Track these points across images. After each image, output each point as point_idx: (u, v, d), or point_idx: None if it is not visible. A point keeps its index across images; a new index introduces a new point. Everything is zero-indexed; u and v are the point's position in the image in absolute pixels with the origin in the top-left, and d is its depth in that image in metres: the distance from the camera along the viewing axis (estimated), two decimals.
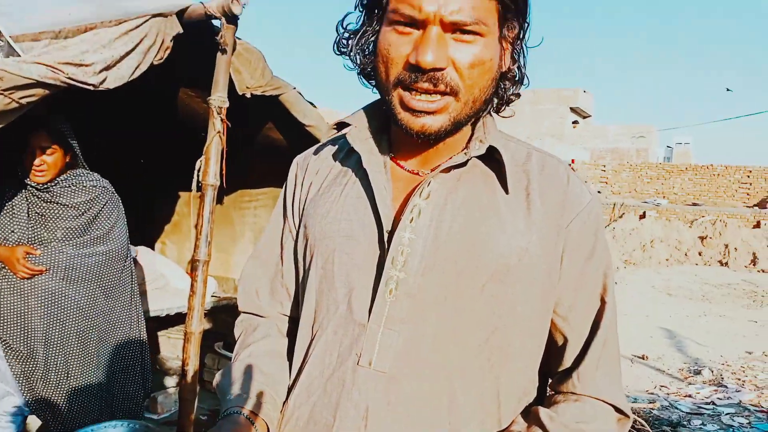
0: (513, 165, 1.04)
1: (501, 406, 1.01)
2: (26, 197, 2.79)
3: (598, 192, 23.52)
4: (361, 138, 1.08)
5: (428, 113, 0.95)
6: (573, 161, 24.12)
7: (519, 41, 1.03)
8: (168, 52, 2.72)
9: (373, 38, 1.03)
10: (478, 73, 0.95)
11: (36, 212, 2.81)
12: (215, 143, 2.88)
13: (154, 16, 2.67)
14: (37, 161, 2.73)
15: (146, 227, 5.59)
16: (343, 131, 1.15)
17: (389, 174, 1.06)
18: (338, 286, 1.03)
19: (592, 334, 1.05)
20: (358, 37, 1.05)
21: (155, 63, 2.66)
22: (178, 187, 5.37)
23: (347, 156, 1.14)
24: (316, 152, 1.21)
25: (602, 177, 24.32)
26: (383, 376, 0.97)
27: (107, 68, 2.46)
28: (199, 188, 2.90)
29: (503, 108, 1.08)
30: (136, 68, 2.60)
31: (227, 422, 1.02)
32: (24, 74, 2.15)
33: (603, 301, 1.06)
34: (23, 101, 2.21)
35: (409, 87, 0.95)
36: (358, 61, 1.07)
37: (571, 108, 35.67)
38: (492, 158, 1.03)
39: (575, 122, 36.75)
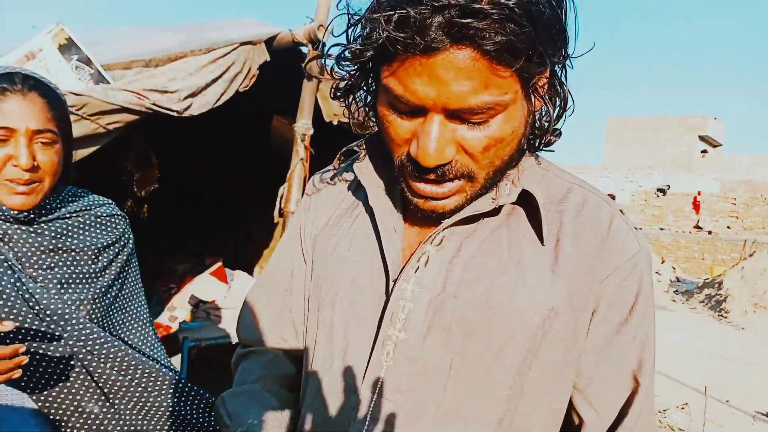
0: (546, 204, 0.85)
1: None
2: None
3: (728, 228, 21.87)
4: (369, 170, 0.93)
5: (439, 198, 0.81)
6: (699, 193, 22.61)
7: (559, 75, 0.82)
8: (254, 80, 2.74)
9: (370, 99, 0.86)
10: (495, 152, 0.78)
11: (26, 265, 1.34)
12: (298, 170, 2.86)
13: (243, 44, 2.70)
14: (23, 158, 1.24)
15: (245, 251, 5.72)
16: (354, 157, 0.99)
17: (400, 214, 0.91)
18: (335, 337, 0.89)
19: (618, 420, 0.85)
20: (354, 94, 0.89)
21: (240, 90, 2.69)
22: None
23: (359, 186, 0.97)
24: (332, 177, 1.05)
25: (732, 211, 22.56)
26: None
27: (192, 95, 2.51)
28: (281, 214, 2.89)
29: (542, 148, 0.88)
30: (221, 95, 2.63)
31: None
32: (109, 100, 2.22)
33: (636, 382, 0.85)
34: (109, 127, 2.28)
35: (414, 175, 0.80)
36: (360, 119, 0.92)
37: (699, 136, 33.59)
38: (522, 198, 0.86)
39: (704, 151, 34.57)
